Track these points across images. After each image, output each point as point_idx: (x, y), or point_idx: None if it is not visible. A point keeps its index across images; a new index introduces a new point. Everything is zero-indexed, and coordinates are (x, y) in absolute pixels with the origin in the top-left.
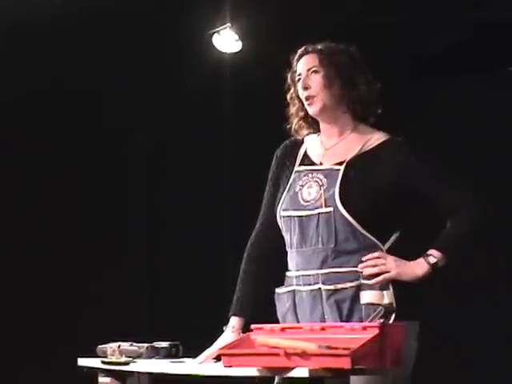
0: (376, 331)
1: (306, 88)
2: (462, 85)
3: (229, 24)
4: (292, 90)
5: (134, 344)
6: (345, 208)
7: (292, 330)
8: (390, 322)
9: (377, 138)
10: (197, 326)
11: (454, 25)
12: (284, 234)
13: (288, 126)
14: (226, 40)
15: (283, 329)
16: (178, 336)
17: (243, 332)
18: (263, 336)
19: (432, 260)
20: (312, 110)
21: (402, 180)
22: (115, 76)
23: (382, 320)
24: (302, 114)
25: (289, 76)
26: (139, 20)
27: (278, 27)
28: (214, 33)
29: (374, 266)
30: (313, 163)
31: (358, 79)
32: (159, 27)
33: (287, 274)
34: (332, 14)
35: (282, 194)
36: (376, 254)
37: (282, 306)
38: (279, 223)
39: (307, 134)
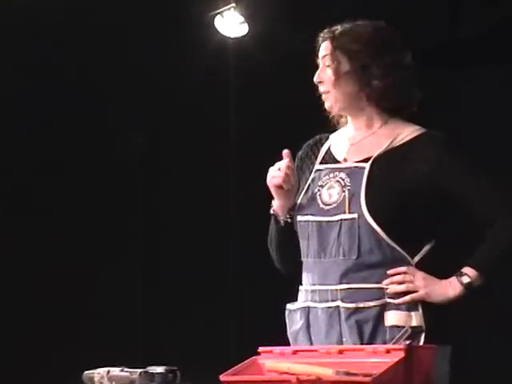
0: (401, 355)
1: (319, 82)
2: (490, 75)
3: (233, 5)
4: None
5: (126, 369)
6: (371, 214)
7: (305, 353)
8: (418, 344)
9: (410, 131)
10: (195, 349)
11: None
12: (300, 241)
13: (330, 117)
14: (230, 22)
15: (295, 352)
16: (174, 360)
17: None
18: (272, 360)
19: (466, 280)
20: (327, 106)
21: (435, 180)
22: (110, 68)
23: (408, 342)
24: None
25: (318, 60)
26: (134, 4)
27: (287, 8)
28: (217, 14)
29: (401, 283)
30: (335, 161)
31: (372, 72)
32: (156, 9)
33: (301, 287)
34: None
35: (300, 195)
36: (403, 269)
37: (294, 324)
38: (296, 229)
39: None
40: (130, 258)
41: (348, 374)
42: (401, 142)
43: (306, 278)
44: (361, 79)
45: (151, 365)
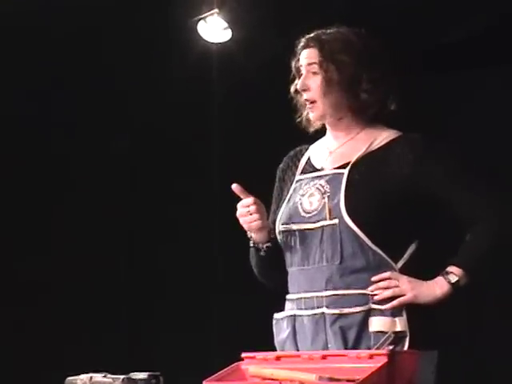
0: (384, 360)
1: (304, 90)
2: (485, 77)
3: (216, 10)
4: (297, 81)
5: (108, 375)
6: (351, 218)
7: (288, 359)
8: (403, 349)
9: (387, 135)
10: (179, 354)
11: (474, 13)
12: (284, 251)
13: (298, 119)
14: (213, 28)
15: (278, 357)
16: (157, 366)
17: None
18: (256, 366)
19: (453, 278)
20: (312, 116)
21: (416, 182)
22: (93, 72)
23: (391, 347)
24: None
25: (293, 64)
26: (115, 8)
27: (270, 14)
28: (200, 20)
29: (387, 288)
30: (315, 169)
31: (360, 85)
32: (138, 14)
33: (287, 297)
34: None
35: (281, 206)
36: (387, 275)
37: (281, 333)
38: (279, 240)
39: (320, 124)
40: (115, 263)
41: (331, 379)
42: (379, 146)
43: (291, 286)
44: (349, 90)
45: (134, 371)
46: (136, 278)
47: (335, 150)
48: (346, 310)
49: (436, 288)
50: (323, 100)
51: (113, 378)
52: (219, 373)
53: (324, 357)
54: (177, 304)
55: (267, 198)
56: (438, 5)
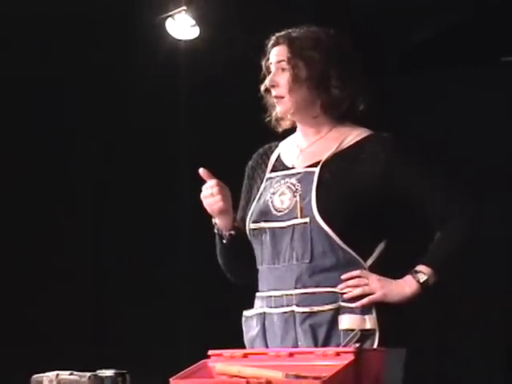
0: (351, 357)
1: (273, 86)
2: (452, 77)
3: (184, 7)
4: (267, 80)
5: (75, 373)
6: (322, 217)
7: (255, 357)
8: (372, 347)
9: (358, 133)
10: (145, 352)
11: (443, 10)
12: (254, 249)
13: (268, 119)
14: (181, 25)
15: (245, 355)
16: (124, 363)
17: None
18: (222, 363)
19: (422, 277)
20: (279, 112)
21: (386, 181)
22: (60, 71)
23: (358, 344)
24: None
25: (263, 63)
26: (83, 4)
27: (238, 11)
28: (168, 17)
29: (356, 286)
30: (286, 167)
31: (330, 81)
32: (106, 10)
33: (257, 294)
34: None
35: (252, 204)
36: (356, 273)
37: (251, 330)
38: (249, 238)
39: (289, 124)
40: (82, 259)
41: (298, 376)
42: (349, 144)
43: (261, 284)
44: (318, 87)
45: (100, 368)
46: (103, 275)
47: (306, 148)
48: (315, 308)
49: (405, 287)
50: (291, 96)
51: (79, 376)
52: (186, 370)
53: (291, 354)
54: (144, 302)
55: (235, 194)
56: (407, 5)
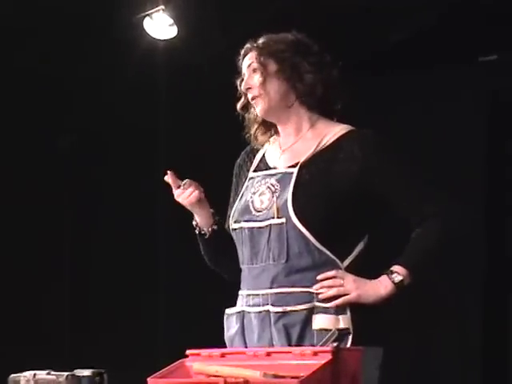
0: (328, 357)
1: (248, 89)
2: (429, 77)
3: (162, 7)
4: (243, 99)
5: (52, 372)
6: (298, 218)
7: (233, 356)
8: (346, 346)
9: (337, 130)
10: (123, 351)
11: (420, 10)
12: (237, 248)
13: (247, 136)
14: (159, 25)
15: (223, 354)
16: (101, 363)
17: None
18: (200, 363)
19: (397, 278)
20: (258, 111)
21: (363, 179)
22: (39, 68)
23: (335, 344)
24: (259, 119)
25: (238, 82)
26: (61, 4)
27: (216, 11)
28: (146, 16)
29: (331, 286)
30: (268, 167)
31: (301, 69)
32: (84, 9)
33: (239, 292)
34: None
35: (234, 203)
36: (332, 273)
37: (231, 328)
38: (233, 237)
39: (268, 140)
40: (58, 260)
41: (276, 376)
42: (329, 143)
43: (242, 283)
44: (291, 76)
45: (78, 368)
46: (79, 275)
47: (287, 148)
48: (289, 308)
49: (380, 287)
50: (265, 92)
51: (56, 375)
52: (163, 370)
53: (269, 354)
54: (122, 301)
55: (214, 193)
56: (383, 6)
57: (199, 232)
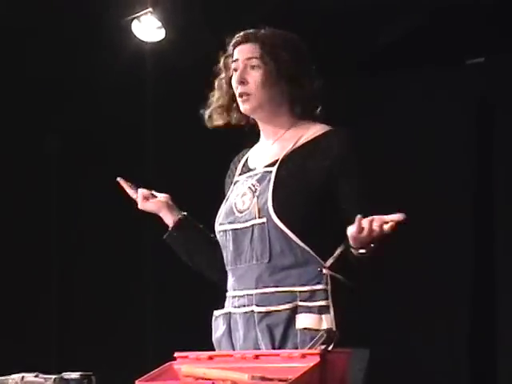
0: (316, 359)
1: (242, 82)
2: (414, 79)
3: (150, 9)
4: (223, 75)
5: (40, 375)
6: (278, 217)
7: (221, 359)
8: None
9: (317, 129)
10: (111, 354)
11: (409, 11)
12: (222, 251)
13: (203, 112)
14: (147, 27)
15: (211, 357)
16: (89, 365)
17: None
18: (188, 365)
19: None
20: (244, 108)
21: (330, 176)
22: (25, 70)
23: (323, 346)
24: (226, 102)
25: (222, 59)
26: (49, 5)
27: (204, 13)
28: (134, 19)
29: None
30: (249, 169)
31: (301, 78)
32: (72, 12)
33: (226, 294)
34: None
35: (220, 207)
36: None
37: (218, 330)
38: (219, 240)
39: (221, 122)
40: (45, 262)
41: (263, 378)
42: (306, 140)
43: (228, 285)
44: (286, 85)
45: (66, 370)
46: (68, 276)
47: (266, 148)
48: (272, 308)
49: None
50: (260, 93)
51: (45, 378)
52: (151, 373)
53: (256, 356)
54: (110, 303)
55: (203, 195)
56: (372, 7)
57: (170, 234)
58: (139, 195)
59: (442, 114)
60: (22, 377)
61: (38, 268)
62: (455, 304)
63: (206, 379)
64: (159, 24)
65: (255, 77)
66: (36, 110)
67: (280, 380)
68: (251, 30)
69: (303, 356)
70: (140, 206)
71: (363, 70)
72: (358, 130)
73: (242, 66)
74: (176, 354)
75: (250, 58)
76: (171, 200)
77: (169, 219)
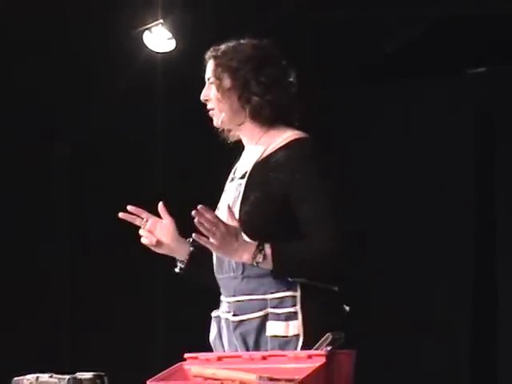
0: (323, 360)
1: (206, 100)
2: (414, 89)
3: (161, 20)
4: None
5: (54, 375)
6: (244, 230)
7: (230, 360)
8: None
9: (284, 138)
10: (123, 355)
11: (408, 23)
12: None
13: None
14: (158, 38)
15: (220, 358)
16: (102, 366)
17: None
18: (198, 366)
19: (259, 259)
20: (215, 123)
21: (290, 189)
22: (36, 79)
23: (329, 347)
24: None
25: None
26: (62, 16)
27: (213, 24)
28: (145, 30)
29: (207, 226)
30: (233, 178)
31: (251, 85)
32: (84, 23)
33: None
34: (273, 9)
35: None
36: (212, 216)
37: (212, 332)
38: None
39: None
40: (57, 263)
41: (271, 379)
42: (271, 151)
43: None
44: (241, 96)
45: (79, 371)
46: (79, 278)
47: (247, 155)
48: (244, 317)
49: (243, 256)
50: (219, 107)
51: (58, 379)
52: (162, 373)
53: (264, 357)
54: (120, 305)
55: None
56: (374, 17)
57: (180, 270)
58: (145, 234)
59: (443, 123)
60: (37, 377)
61: (50, 269)
62: (455, 304)
63: (215, 379)
64: (170, 35)
65: (213, 92)
66: (47, 118)
67: (287, 380)
68: (212, 48)
69: (309, 357)
70: (154, 249)
71: (365, 80)
72: (358, 140)
73: (207, 83)
74: (186, 355)
75: (209, 76)
76: (174, 223)
77: (180, 255)
